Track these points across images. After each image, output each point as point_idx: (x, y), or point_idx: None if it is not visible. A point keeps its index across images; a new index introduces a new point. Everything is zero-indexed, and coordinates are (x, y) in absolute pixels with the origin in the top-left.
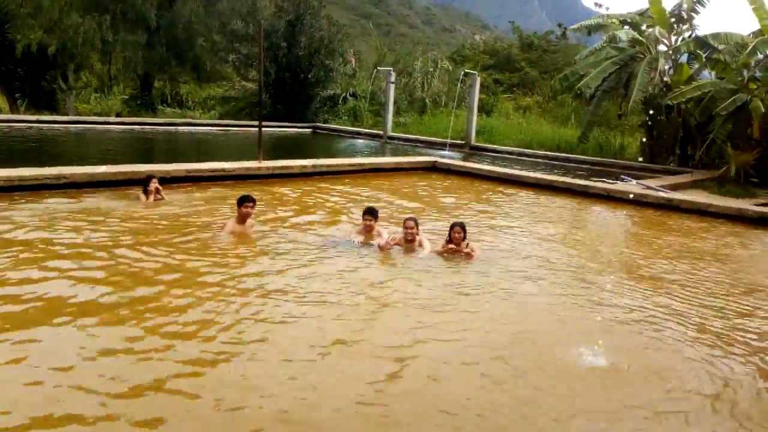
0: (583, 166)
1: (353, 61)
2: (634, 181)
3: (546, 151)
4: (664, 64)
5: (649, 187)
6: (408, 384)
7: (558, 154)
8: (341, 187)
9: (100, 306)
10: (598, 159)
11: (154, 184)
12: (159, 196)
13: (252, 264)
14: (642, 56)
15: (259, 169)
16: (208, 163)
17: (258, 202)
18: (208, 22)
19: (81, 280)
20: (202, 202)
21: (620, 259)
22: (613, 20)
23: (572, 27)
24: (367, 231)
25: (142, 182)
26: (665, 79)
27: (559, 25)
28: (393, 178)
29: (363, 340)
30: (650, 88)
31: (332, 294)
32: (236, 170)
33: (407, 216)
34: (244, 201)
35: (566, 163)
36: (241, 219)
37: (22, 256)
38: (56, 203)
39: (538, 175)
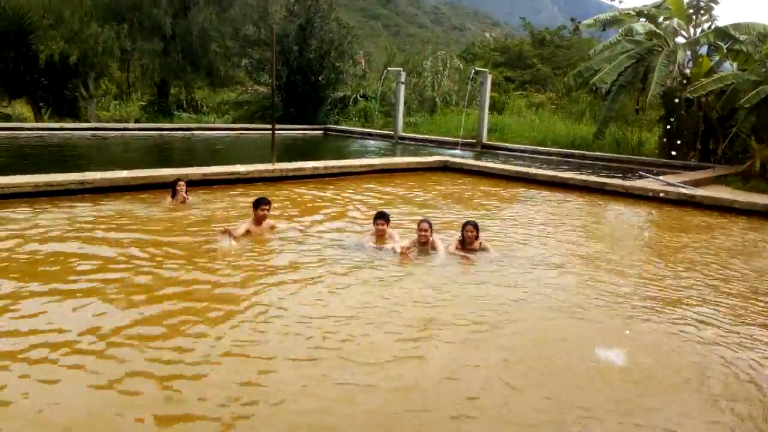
0: (600, 163)
1: (363, 62)
2: (654, 178)
3: (560, 148)
4: (683, 57)
5: (669, 184)
6: (438, 395)
7: (573, 151)
8: (353, 188)
9: (125, 318)
10: (615, 155)
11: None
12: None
13: (272, 274)
14: (659, 49)
15: (272, 171)
16: (223, 166)
17: (272, 205)
18: (222, 29)
19: (103, 293)
20: (223, 205)
21: (640, 257)
22: (629, 13)
23: (586, 22)
24: (380, 235)
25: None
26: (685, 71)
27: (572, 20)
28: (405, 178)
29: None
30: (669, 82)
31: (355, 305)
32: (250, 173)
33: (421, 218)
34: (260, 204)
35: (582, 161)
36: (258, 221)
37: (52, 264)
38: (81, 208)
39: (552, 172)
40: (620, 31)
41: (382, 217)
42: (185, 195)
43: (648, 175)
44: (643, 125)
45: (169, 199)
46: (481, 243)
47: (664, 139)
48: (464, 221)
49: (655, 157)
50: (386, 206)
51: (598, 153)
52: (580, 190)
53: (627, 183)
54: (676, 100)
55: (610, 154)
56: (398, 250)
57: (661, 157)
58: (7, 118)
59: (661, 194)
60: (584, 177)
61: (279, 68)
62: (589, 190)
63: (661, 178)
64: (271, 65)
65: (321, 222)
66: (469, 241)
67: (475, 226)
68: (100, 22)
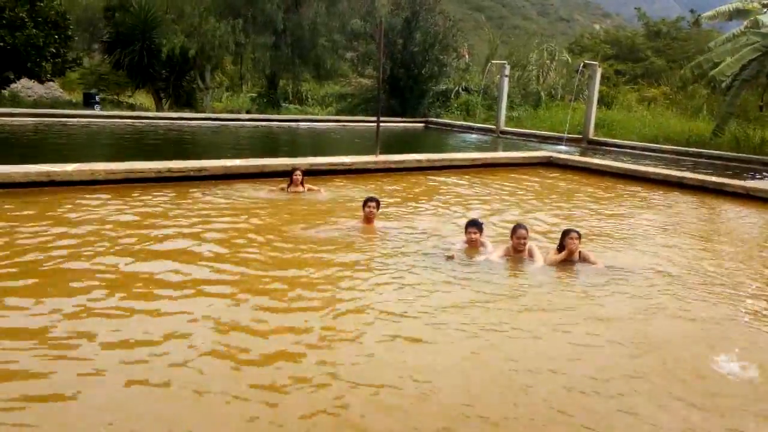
0: (717, 162)
1: (466, 55)
2: None
3: (674, 145)
4: None
5: None
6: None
7: (688, 149)
8: (455, 181)
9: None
10: (735, 155)
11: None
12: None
13: (371, 283)
14: None
15: (376, 163)
16: (328, 157)
17: (373, 196)
18: (330, 23)
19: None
20: (334, 196)
21: (762, 264)
22: (755, 4)
23: (707, 13)
24: (472, 244)
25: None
26: None
27: (692, 11)
28: (507, 173)
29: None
30: None
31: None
32: (355, 164)
33: (517, 223)
34: (368, 202)
35: (698, 159)
36: (367, 220)
37: (181, 242)
38: (201, 193)
39: (666, 170)
40: (745, 23)
41: (474, 225)
42: (301, 184)
43: None
44: (766, 123)
45: (284, 186)
46: (581, 251)
47: None
48: (565, 228)
49: None
50: (487, 202)
51: (715, 152)
52: (695, 191)
53: (748, 184)
54: None
55: (729, 153)
56: (494, 258)
57: None
58: (131, 107)
59: None
60: (701, 176)
61: (383, 61)
62: (705, 190)
63: None
64: (378, 59)
65: (420, 220)
66: (570, 251)
67: (579, 234)
68: (217, 17)
